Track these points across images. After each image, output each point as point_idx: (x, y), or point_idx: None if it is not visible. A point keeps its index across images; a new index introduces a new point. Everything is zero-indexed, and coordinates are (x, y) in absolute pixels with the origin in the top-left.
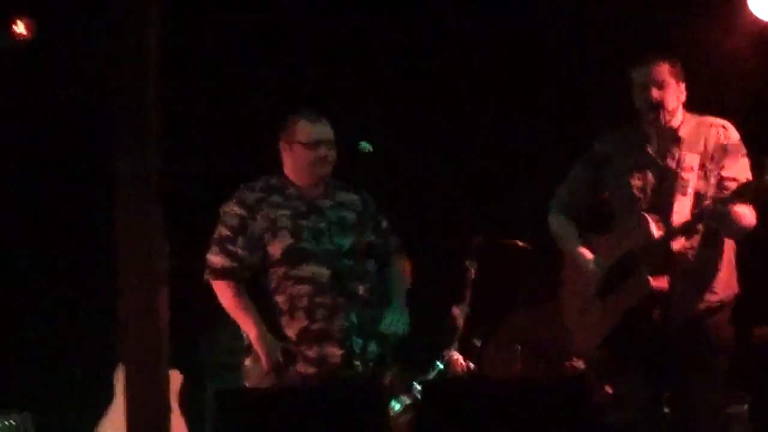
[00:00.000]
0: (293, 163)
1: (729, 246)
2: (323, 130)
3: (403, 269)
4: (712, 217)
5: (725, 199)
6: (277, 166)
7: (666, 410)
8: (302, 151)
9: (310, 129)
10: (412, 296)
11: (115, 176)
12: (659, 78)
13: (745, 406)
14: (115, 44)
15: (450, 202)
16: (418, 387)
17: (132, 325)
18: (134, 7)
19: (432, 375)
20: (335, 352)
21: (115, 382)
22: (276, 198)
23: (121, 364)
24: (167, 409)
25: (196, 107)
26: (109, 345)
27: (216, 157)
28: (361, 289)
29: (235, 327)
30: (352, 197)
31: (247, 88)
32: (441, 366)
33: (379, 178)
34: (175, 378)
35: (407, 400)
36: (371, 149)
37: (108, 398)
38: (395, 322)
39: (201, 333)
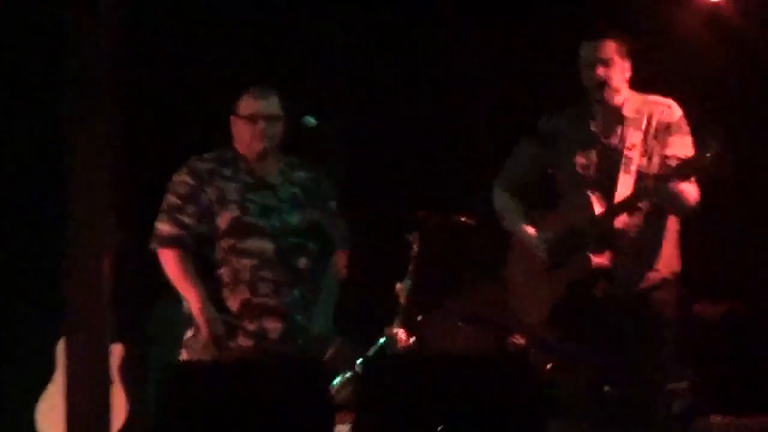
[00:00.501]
0: (236, 136)
1: (672, 224)
2: (266, 105)
3: (338, 267)
4: (652, 194)
5: (664, 175)
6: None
7: (608, 387)
8: (242, 125)
9: (252, 103)
10: (356, 270)
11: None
12: (605, 55)
13: (685, 383)
14: None
15: (394, 176)
16: (360, 362)
17: (74, 296)
18: None
19: (374, 351)
20: (276, 326)
21: (57, 354)
22: (227, 171)
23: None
24: (108, 382)
25: (149, 75)
26: (50, 317)
27: (166, 129)
28: (305, 266)
29: (180, 299)
30: (305, 175)
31: (198, 62)
32: (383, 342)
33: (325, 152)
34: (117, 350)
35: (348, 375)
36: (315, 123)
37: (49, 371)
38: (320, 325)
39: (145, 305)
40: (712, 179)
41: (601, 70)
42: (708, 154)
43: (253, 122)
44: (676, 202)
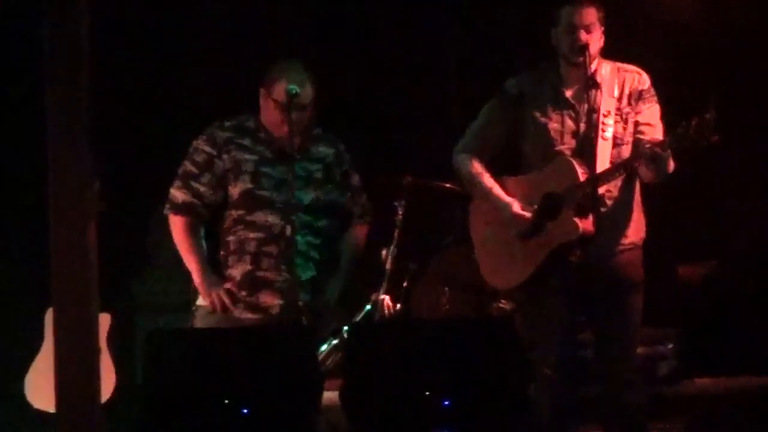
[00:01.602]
0: (265, 114)
1: (637, 191)
2: (302, 95)
3: (357, 241)
4: (651, 160)
5: (663, 142)
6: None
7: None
8: (274, 110)
9: (286, 91)
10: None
11: (45, 117)
12: (587, 20)
13: (670, 345)
14: None
15: (378, 141)
16: (347, 329)
17: (61, 266)
18: None
19: (360, 317)
20: (275, 302)
21: (45, 325)
22: (246, 141)
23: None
24: (96, 351)
25: (132, 46)
26: (39, 287)
27: (149, 101)
28: (312, 245)
29: (169, 268)
30: (326, 150)
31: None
32: (369, 308)
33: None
34: (104, 319)
35: (335, 342)
36: (298, 91)
37: (38, 340)
38: (330, 292)
39: (130, 274)
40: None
41: (583, 35)
42: (710, 123)
43: (284, 109)
44: (665, 170)
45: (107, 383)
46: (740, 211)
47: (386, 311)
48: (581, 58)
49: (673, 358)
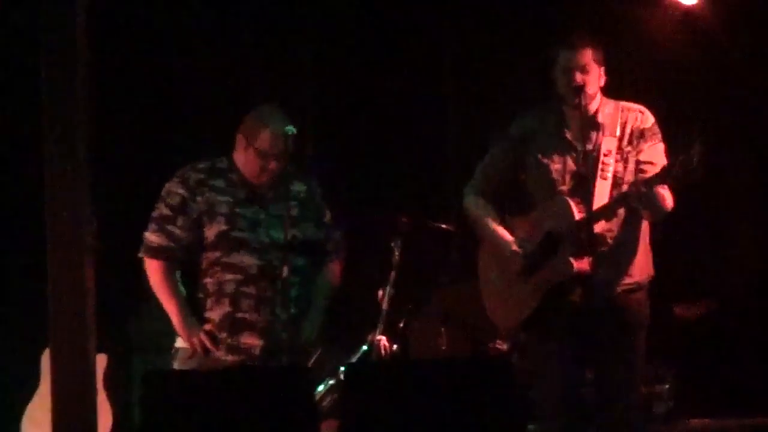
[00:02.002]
0: (243, 159)
1: (644, 229)
2: (283, 146)
3: (332, 277)
4: (637, 200)
5: (649, 180)
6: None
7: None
8: (255, 157)
9: (271, 143)
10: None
11: (44, 158)
12: (582, 62)
13: (666, 385)
14: None
15: (375, 182)
16: (343, 369)
17: (58, 307)
18: None
19: (357, 358)
20: (256, 343)
21: (41, 365)
22: (219, 182)
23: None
24: (93, 391)
25: (127, 87)
26: (35, 328)
27: (146, 140)
28: (290, 283)
29: (163, 308)
30: (299, 187)
31: (180, 67)
32: (366, 348)
33: (305, 159)
34: (101, 360)
35: (331, 382)
36: (295, 131)
37: (35, 381)
38: (307, 332)
39: (129, 315)
40: (694, 183)
41: (578, 77)
42: (694, 159)
43: (265, 159)
44: (657, 207)
45: (104, 424)
46: (737, 251)
47: (383, 352)
48: (577, 100)
49: (669, 398)
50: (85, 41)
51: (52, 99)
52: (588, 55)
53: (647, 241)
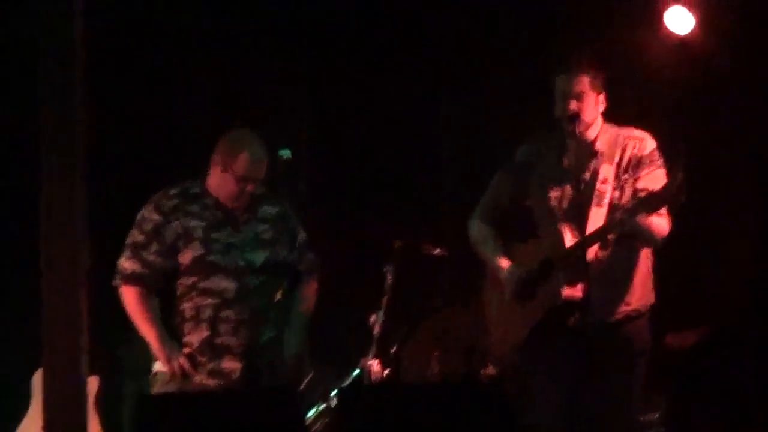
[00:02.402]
0: (219, 183)
1: (645, 255)
2: (260, 169)
3: (308, 295)
4: (620, 227)
5: (632, 208)
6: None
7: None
8: (232, 182)
9: (249, 167)
10: (330, 302)
11: (40, 179)
12: (578, 89)
13: (657, 414)
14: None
15: (369, 206)
16: (335, 393)
17: (51, 328)
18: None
19: (349, 382)
20: (235, 366)
21: (33, 386)
22: (193, 207)
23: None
24: (85, 414)
25: (123, 112)
26: (27, 349)
27: (140, 162)
28: (268, 306)
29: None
30: (272, 210)
31: (172, 90)
32: (358, 373)
33: (300, 184)
34: (93, 382)
35: (323, 406)
36: (291, 156)
37: (25, 403)
38: (289, 352)
39: (119, 337)
40: (680, 209)
41: (573, 104)
42: (675, 186)
43: (244, 183)
44: (645, 235)
45: None
46: (728, 280)
47: (375, 376)
48: (572, 127)
49: (660, 426)
50: (84, 56)
51: (49, 123)
52: (584, 82)
53: (648, 267)
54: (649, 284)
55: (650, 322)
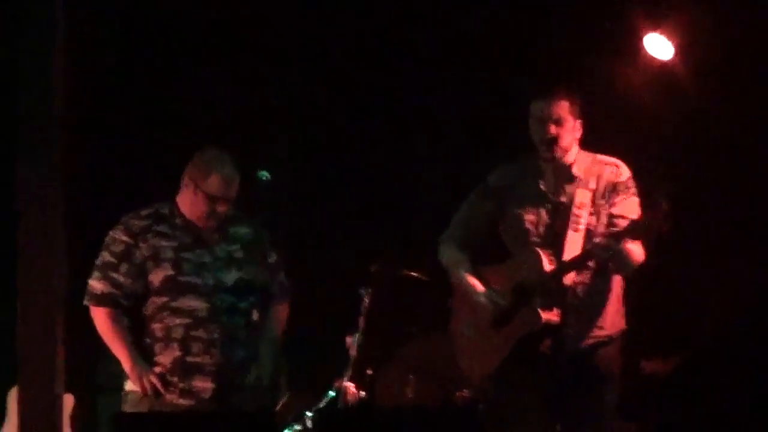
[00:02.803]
0: (190, 203)
1: (617, 282)
2: (232, 189)
3: (279, 317)
4: (603, 253)
5: (616, 235)
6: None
7: None
8: (203, 201)
9: (221, 187)
10: (306, 324)
11: (18, 197)
12: (557, 114)
13: None
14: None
15: (347, 230)
16: (310, 415)
17: (27, 345)
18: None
19: (324, 404)
20: (207, 386)
21: (8, 403)
22: (163, 227)
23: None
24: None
25: (103, 132)
26: (1, 367)
27: (117, 182)
28: (239, 325)
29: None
30: (243, 230)
31: (146, 110)
32: (333, 395)
33: (278, 206)
34: (68, 400)
35: (297, 428)
36: (269, 177)
37: (0, 420)
38: (260, 372)
39: (94, 355)
40: (661, 238)
41: (552, 129)
42: (661, 214)
43: (214, 202)
44: (624, 262)
45: None
46: (705, 306)
47: (350, 398)
48: (549, 152)
49: None
50: (63, 86)
51: (26, 136)
52: (564, 107)
53: (620, 294)
54: (621, 310)
55: (626, 348)
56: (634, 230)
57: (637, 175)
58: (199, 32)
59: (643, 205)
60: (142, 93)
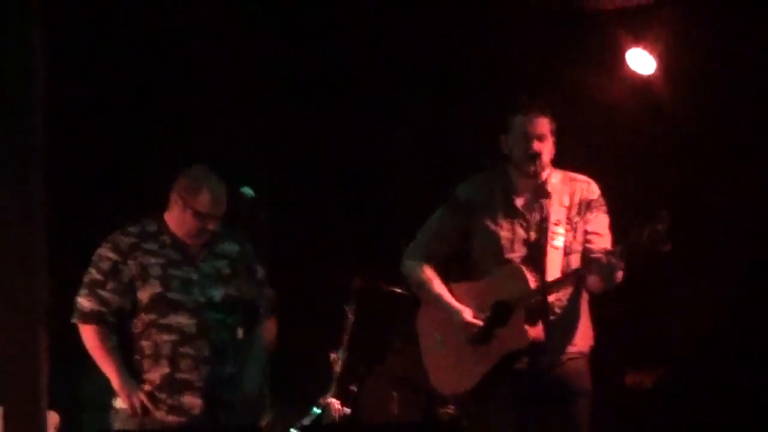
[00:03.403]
0: (178, 220)
1: (585, 299)
2: (221, 207)
3: (267, 332)
4: (603, 270)
5: (620, 252)
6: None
7: None
8: (192, 219)
9: (210, 203)
10: (291, 340)
11: None
12: (540, 130)
13: None
14: None
15: (329, 244)
16: (294, 431)
17: (10, 364)
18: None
19: (309, 420)
20: (196, 402)
21: None
22: (150, 245)
23: None
24: None
25: (83, 143)
26: None
27: (101, 198)
28: (227, 341)
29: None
30: (230, 247)
31: (130, 126)
32: (318, 411)
33: (261, 222)
34: (52, 418)
35: None
36: (253, 194)
37: None
38: (247, 388)
39: (79, 372)
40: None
41: (536, 144)
42: (661, 230)
43: (204, 220)
44: (612, 277)
45: None
46: (688, 319)
47: (334, 414)
48: (533, 167)
49: None
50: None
51: (8, 157)
52: (545, 124)
53: (588, 311)
54: (590, 327)
55: (609, 362)
56: (635, 247)
57: (625, 191)
58: (177, 50)
59: (641, 221)
60: (124, 106)
